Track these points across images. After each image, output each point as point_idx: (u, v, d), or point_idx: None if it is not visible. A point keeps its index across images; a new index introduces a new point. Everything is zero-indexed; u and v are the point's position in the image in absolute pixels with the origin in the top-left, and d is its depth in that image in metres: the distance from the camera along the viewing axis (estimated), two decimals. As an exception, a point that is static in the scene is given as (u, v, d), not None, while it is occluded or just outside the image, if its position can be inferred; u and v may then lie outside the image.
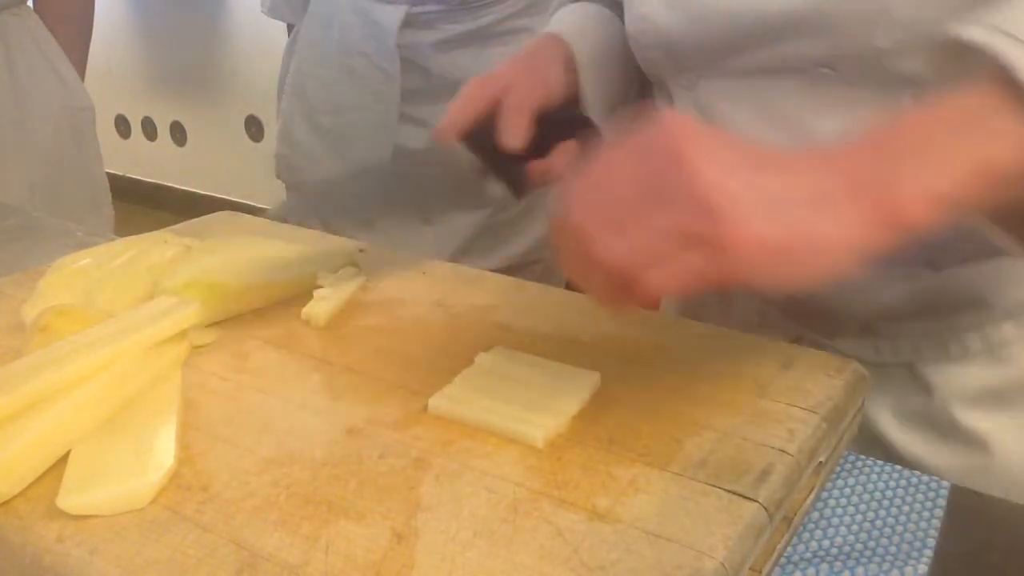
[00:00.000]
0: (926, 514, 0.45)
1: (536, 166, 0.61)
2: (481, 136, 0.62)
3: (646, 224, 0.38)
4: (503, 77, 0.63)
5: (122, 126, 3.47)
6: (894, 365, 0.62)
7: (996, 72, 0.38)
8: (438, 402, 0.47)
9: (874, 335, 0.62)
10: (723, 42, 0.57)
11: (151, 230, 0.69)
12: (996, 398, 0.59)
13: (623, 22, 0.65)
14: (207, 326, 0.57)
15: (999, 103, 0.38)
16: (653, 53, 0.62)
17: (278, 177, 1.37)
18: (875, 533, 0.44)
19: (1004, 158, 0.38)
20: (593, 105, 0.66)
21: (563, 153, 0.61)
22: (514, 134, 0.60)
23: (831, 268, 0.38)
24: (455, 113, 0.63)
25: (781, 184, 0.38)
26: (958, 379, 0.60)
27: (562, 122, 0.62)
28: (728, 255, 0.37)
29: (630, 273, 0.39)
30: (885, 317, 0.61)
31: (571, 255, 0.41)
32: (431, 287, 0.63)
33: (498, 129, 0.61)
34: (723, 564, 0.36)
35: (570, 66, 0.65)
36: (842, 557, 0.42)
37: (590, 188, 0.41)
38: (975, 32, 0.39)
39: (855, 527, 0.44)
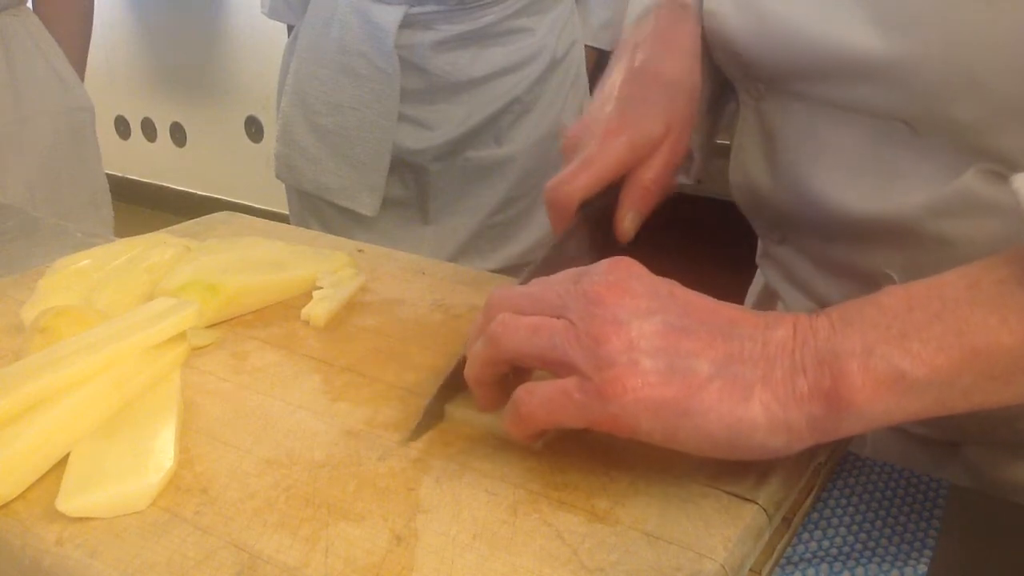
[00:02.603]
0: (926, 514, 0.45)
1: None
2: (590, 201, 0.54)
3: (545, 322, 0.39)
4: (630, 132, 0.53)
5: (122, 127, 3.47)
6: (939, 443, 0.57)
7: None
8: (454, 409, 0.47)
9: None
10: (794, 64, 0.51)
11: (151, 231, 0.69)
12: None
13: None
14: (206, 327, 0.57)
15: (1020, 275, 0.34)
16: (720, 55, 0.57)
17: (278, 177, 1.37)
18: (875, 533, 0.44)
19: (1005, 344, 0.33)
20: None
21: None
22: (632, 228, 0.55)
23: (739, 436, 0.36)
24: (581, 179, 0.52)
25: (695, 343, 0.37)
26: (1008, 468, 0.54)
27: None
28: (605, 400, 0.36)
29: (508, 365, 0.41)
30: None
31: (474, 334, 0.43)
32: (430, 288, 0.63)
33: (617, 211, 0.54)
34: (723, 566, 0.36)
35: (695, 60, 0.57)
36: (842, 557, 0.42)
37: (522, 288, 0.42)
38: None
39: (855, 527, 0.44)
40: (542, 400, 0.39)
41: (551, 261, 0.52)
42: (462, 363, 0.47)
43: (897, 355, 0.34)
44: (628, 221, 0.54)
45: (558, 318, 0.39)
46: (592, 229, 0.54)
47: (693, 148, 0.63)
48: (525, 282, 0.46)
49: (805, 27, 0.50)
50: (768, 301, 0.69)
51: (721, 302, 0.39)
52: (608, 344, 0.37)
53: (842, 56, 0.48)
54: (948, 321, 0.34)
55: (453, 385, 0.47)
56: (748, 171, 0.60)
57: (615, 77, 0.56)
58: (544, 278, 0.42)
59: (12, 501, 0.41)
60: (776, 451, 0.37)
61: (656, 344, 0.37)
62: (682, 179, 0.64)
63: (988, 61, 0.43)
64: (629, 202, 0.54)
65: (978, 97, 0.44)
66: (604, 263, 0.40)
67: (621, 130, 0.53)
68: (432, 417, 0.46)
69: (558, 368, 0.39)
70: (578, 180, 0.52)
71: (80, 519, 0.40)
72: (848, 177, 0.52)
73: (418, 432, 0.45)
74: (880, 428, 0.60)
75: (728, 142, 0.63)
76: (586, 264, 0.41)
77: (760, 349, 0.37)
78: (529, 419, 0.39)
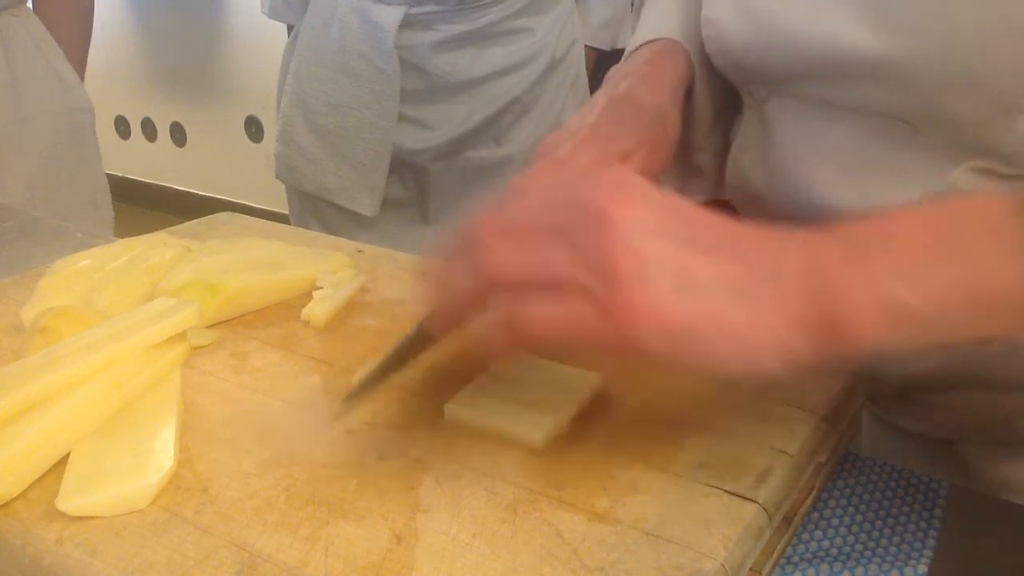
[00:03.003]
0: (926, 514, 0.45)
1: None
2: None
3: (544, 252, 0.36)
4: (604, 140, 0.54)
5: (122, 126, 3.47)
6: (937, 441, 0.57)
7: None
8: (454, 408, 0.47)
9: (914, 404, 0.57)
10: (793, 66, 0.52)
11: (151, 231, 0.69)
12: None
13: None
14: (206, 327, 0.57)
15: None
16: (720, 61, 0.58)
17: (278, 177, 1.37)
18: (875, 533, 0.44)
19: (1010, 283, 0.34)
20: (701, 117, 0.62)
21: None
22: None
23: (746, 360, 0.35)
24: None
25: (707, 263, 0.36)
26: (1004, 467, 0.54)
27: None
28: (616, 321, 0.34)
29: (509, 294, 0.36)
30: (921, 387, 0.56)
31: (455, 266, 0.39)
32: (431, 288, 0.63)
33: None
34: (723, 565, 0.36)
35: (679, 95, 0.59)
36: (842, 557, 0.42)
37: (503, 203, 0.38)
38: None
39: (855, 527, 0.44)
40: (548, 316, 0.36)
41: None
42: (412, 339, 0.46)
43: (908, 291, 0.34)
44: None
45: (554, 240, 0.36)
46: None
47: (702, 165, 0.64)
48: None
49: (802, 29, 0.50)
50: None
51: (726, 218, 0.38)
52: (617, 264, 0.34)
53: (840, 57, 0.48)
54: (964, 261, 0.34)
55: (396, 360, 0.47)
56: (745, 171, 0.60)
57: (598, 100, 0.58)
58: (524, 195, 0.39)
59: (12, 500, 0.41)
60: (782, 374, 0.36)
61: (666, 262, 0.35)
62: (696, 198, 0.65)
63: (986, 59, 0.43)
64: None
65: (977, 94, 0.44)
66: (601, 171, 0.38)
67: (593, 140, 0.54)
68: (372, 384, 0.46)
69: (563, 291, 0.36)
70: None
71: (80, 518, 0.40)
72: (845, 175, 0.52)
73: (353, 399, 0.45)
74: (877, 426, 0.61)
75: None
76: None
77: (771, 270, 0.36)
78: (530, 327, 0.36)
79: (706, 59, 0.60)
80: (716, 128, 0.64)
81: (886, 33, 0.46)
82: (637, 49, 0.63)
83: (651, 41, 0.62)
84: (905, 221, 0.36)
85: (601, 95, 0.59)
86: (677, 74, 0.60)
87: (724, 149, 0.66)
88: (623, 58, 0.64)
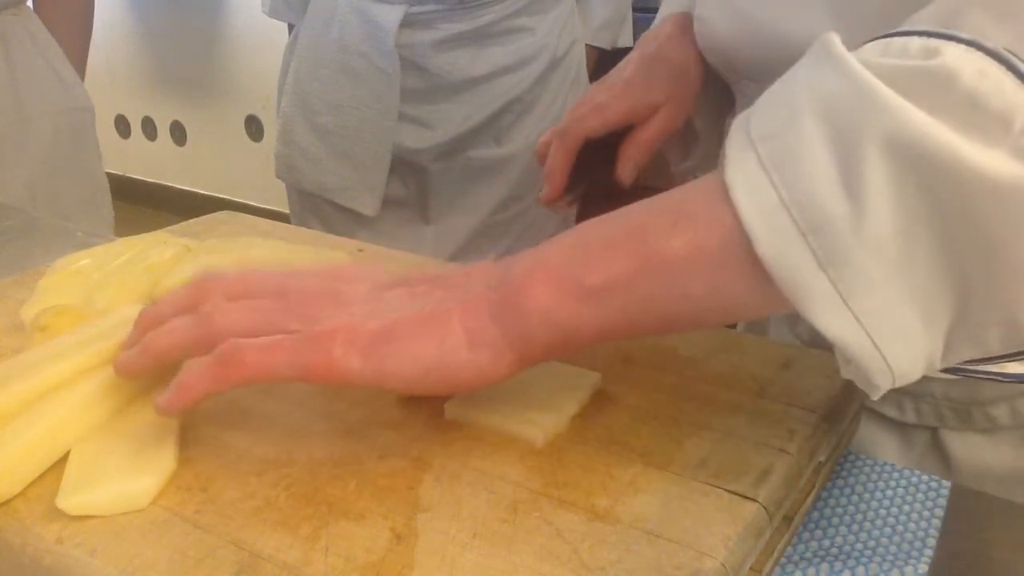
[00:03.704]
0: (926, 514, 0.45)
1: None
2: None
3: (263, 302, 0.42)
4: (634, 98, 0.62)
5: (122, 126, 3.47)
6: (917, 428, 0.59)
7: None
8: (453, 408, 0.47)
9: (896, 392, 0.57)
10: (775, 63, 0.51)
11: (151, 230, 0.69)
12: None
13: None
14: (207, 326, 0.57)
15: (707, 195, 0.36)
16: (712, 58, 0.61)
17: (278, 177, 1.37)
18: (875, 533, 0.44)
19: (675, 249, 0.35)
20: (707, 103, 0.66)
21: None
22: (630, 177, 0.64)
23: (442, 356, 0.38)
24: (592, 120, 0.62)
25: (400, 291, 0.41)
26: (981, 454, 0.56)
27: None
28: (315, 343, 0.39)
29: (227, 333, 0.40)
30: None
31: (168, 309, 0.44)
32: (431, 287, 0.63)
33: (618, 164, 0.64)
34: (723, 564, 0.36)
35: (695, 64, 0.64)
36: (842, 557, 0.42)
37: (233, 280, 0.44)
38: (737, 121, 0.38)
39: (855, 527, 0.44)
40: (259, 345, 0.39)
41: None
42: None
43: (573, 264, 0.37)
44: (628, 170, 0.64)
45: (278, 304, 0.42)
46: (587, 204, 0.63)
47: (698, 129, 0.68)
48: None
49: (779, 25, 0.52)
50: None
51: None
52: (320, 305, 0.40)
53: None
54: (626, 229, 0.37)
55: None
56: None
57: (632, 57, 0.66)
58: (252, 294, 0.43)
59: (12, 499, 0.41)
60: (484, 371, 0.39)
61: (364, 298, 0.41)
62: (685, 164, 0.71)
63: None
64: (627, 156, 0.63)
65: None
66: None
67: (628, 93, 0.62)
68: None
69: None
70: (589, 120, 0.61)
71: (80, 517, 0.40)
72: None
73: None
74: (862, 416, 0.62)
75: None
76: None
77: (459, 283, 0.40)
78: (243, 366, 0.40)
79: None
80: (720, 98, 0.67)
81: (847, 31, 0.46)
82: (665, 20, 0.68)
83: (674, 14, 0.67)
84: (587, 224, 0.39)
85: (634, 53, 0.66)
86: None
87: (720, 120, 0.69)
88: (654, 24, 0.69)
